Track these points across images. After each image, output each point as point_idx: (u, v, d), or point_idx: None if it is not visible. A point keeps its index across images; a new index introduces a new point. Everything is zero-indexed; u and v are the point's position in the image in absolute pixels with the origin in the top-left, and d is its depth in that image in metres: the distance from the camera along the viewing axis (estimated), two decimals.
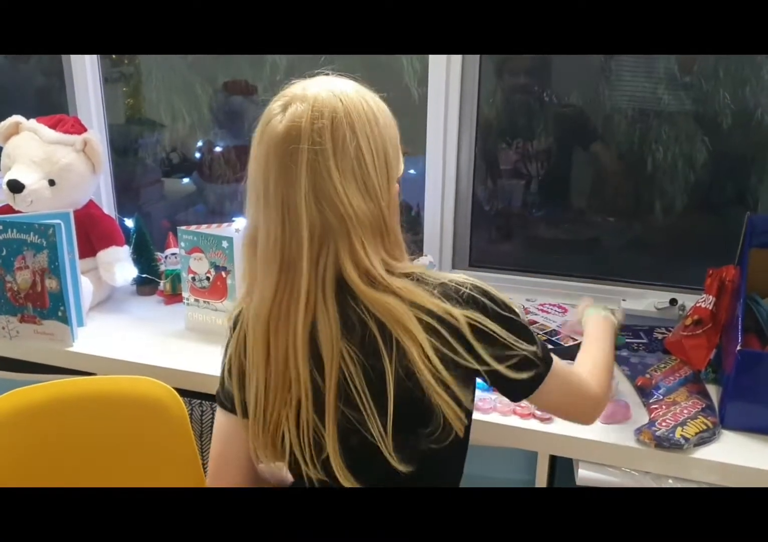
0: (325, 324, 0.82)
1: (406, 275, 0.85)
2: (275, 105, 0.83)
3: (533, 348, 0.86)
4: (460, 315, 0.82)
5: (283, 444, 0.89)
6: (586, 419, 1.00)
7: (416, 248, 1.80)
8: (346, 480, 0.86)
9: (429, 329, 0.82)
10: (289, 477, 1.02)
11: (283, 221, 0.81)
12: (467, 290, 0.84)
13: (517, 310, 0.88)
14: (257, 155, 0.83)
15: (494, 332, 0.83)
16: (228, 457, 0.97)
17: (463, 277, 0.86)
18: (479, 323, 0.82)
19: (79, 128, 1.64)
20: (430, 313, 0.81)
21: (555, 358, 0.92)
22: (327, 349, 0.83)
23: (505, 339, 0.84)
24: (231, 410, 0.95)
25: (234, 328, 0.93)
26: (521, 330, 0.86)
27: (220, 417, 0.97)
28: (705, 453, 1.13)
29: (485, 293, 0.85)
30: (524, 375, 0.86)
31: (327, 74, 0.87)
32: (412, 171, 1.99)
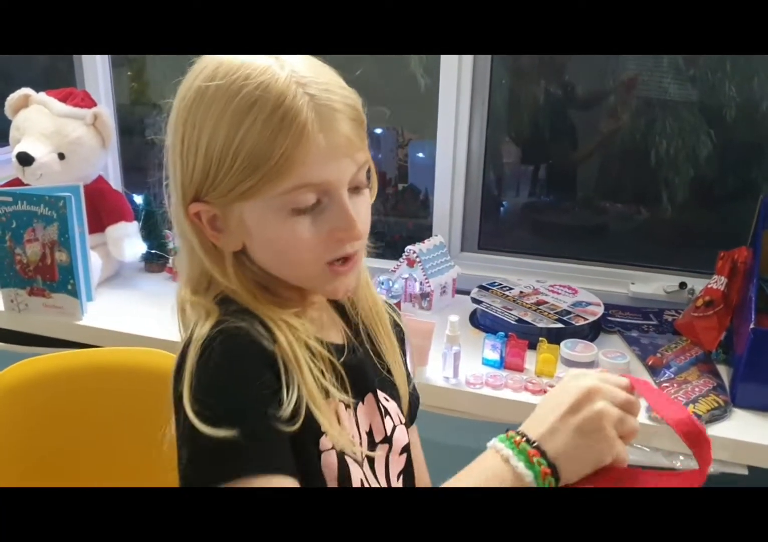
0: None
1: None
2: None
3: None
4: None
5: None
6: None
7: (423, 232, 1.81)
8: None
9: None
10: None
11: None
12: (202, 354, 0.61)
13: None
14: None
15: None
16: None
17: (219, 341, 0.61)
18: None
19: (89, 102, 1.63)
20: None
21: None
22: None
23: None
24: None
25: None
26: None
27: None
28: (717, 429, 1.13)
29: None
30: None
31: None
32: (420, 155, 2.00)
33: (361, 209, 0.66)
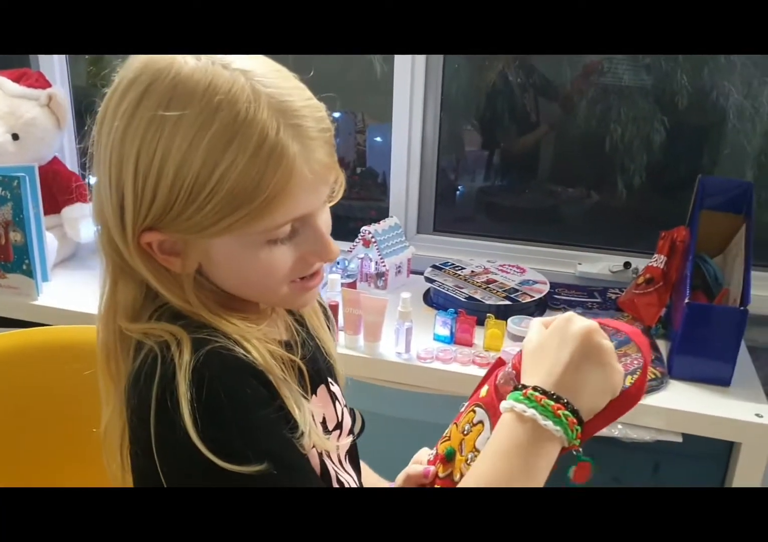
0: None
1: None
2: None
3: None
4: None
5: None
6: None
7: (381, 213, 1.84)
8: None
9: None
10: None
11: None
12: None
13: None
14: None
15: None
16: None
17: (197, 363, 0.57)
18: None
19: (44, 83, 1.63)
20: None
21: None
22: None
23: None
24: None
25: None
26: None
27: None
28: (653, 399, 1.19)
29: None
30: None
31: None
32: (378, 139, 2.03)
33: (328, 223, 0.64)
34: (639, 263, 1.58)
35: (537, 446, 0.58)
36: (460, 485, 0.60)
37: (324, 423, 0.71)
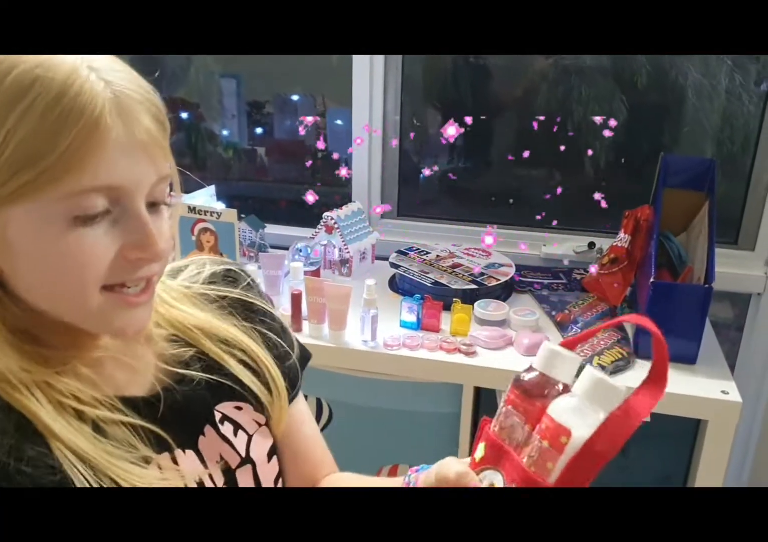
0: None
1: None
2: None
3: None
4: None
5: None
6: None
7: (343, 198, 1.81)
8: None
9: None
10: None
11: None
12: None
13: None
14: None
15: None
16: None
17: None
18: None
19: None
20: None
21: None
22: None
23: None
24: None
25: None
26: None
27: None
28: (620, 380, 1.18)
29: None
30: None
31: None
32: (339, 122, 1.99)
33: (161, 227, 0.54)
34: (604, 242, 1.58)
35: None
36: None
37: (223, 459, 0.64)
